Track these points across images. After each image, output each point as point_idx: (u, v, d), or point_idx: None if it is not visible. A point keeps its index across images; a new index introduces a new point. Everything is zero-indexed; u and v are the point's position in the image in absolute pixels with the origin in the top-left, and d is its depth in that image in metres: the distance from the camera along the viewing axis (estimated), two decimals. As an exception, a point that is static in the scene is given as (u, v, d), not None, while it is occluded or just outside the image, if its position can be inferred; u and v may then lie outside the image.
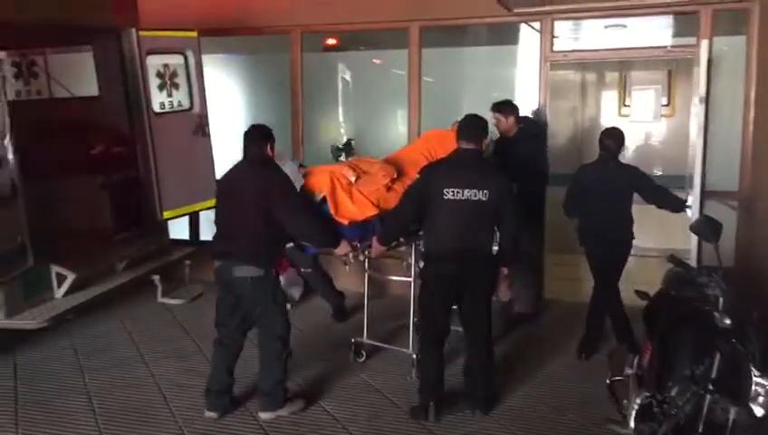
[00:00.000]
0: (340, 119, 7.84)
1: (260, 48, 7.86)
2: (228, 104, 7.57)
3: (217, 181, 4.49)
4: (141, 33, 5.87)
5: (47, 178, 5.61)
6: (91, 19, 5.96)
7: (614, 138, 5.16)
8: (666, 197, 5.19)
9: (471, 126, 4.46)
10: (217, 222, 4.48)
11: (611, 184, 5.13)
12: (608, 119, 7.85)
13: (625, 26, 6.55)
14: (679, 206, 5.22)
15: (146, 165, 5.95)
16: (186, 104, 6.41)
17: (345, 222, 4.69)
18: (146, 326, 6.11)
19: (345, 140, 6.62)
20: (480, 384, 4.47)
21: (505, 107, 5.88)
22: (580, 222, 5.33)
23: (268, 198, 4.24)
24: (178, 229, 6.99)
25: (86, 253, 5.60)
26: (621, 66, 7.80)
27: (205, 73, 6.54)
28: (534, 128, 6.14)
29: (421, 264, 4.76)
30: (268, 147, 4.41)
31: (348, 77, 7.74)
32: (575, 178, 5.33)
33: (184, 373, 5.21)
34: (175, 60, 6.28)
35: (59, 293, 5.21)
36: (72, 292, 5.26)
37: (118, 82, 6.09)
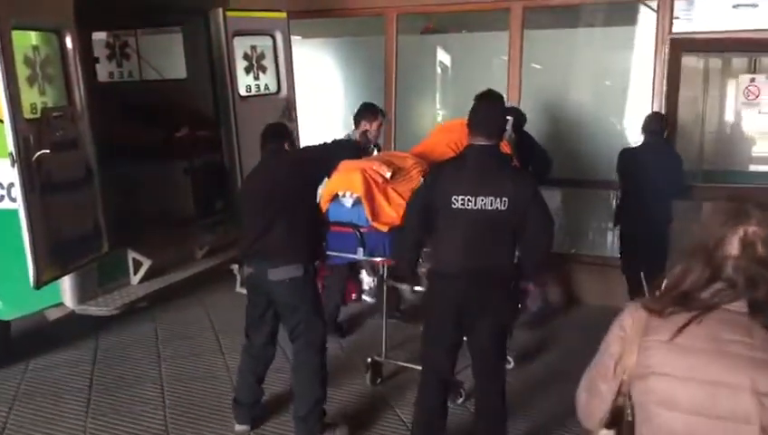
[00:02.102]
0: (436, 104, 7.43)
1: (353, 31, 7.56)
2: (319, 88, 7.33)
3: (242, 184, 4.21)
4: (229, 13, 5.66)
5: (130, 161, 5.54)
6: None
7: None
8: None
9: (486, 115, 3.46)
10: (246, 225, 4.06)
11: None
12: (733, 110, 7.04)
13: (756, 5, 5.78)
14: None
15: (230, 150, 5.76)
16: (272, 88, 6.20)
17: (385, 229, 4.11)
18: (228, 316, 5.98)
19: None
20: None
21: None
22: None
23: (298, 183, 3.93)
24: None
25: (165, 239, 5.48)
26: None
27: (294, 56, 6.30)
28: (522, 118, 5.51)
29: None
30: (286, 145, 4.08)
31: (446, 61, 7.31)
32: None
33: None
34: (263, 42, 6.07)
35: (134, 279, 5.10)
36: (148, 278, 5.14)
37: (204, 65, 5.95)
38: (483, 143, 3.40)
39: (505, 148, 4.20)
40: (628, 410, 1.75)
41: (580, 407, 1.89)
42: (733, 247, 1.67)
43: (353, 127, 5.42)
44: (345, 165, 4.29)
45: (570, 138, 6.42)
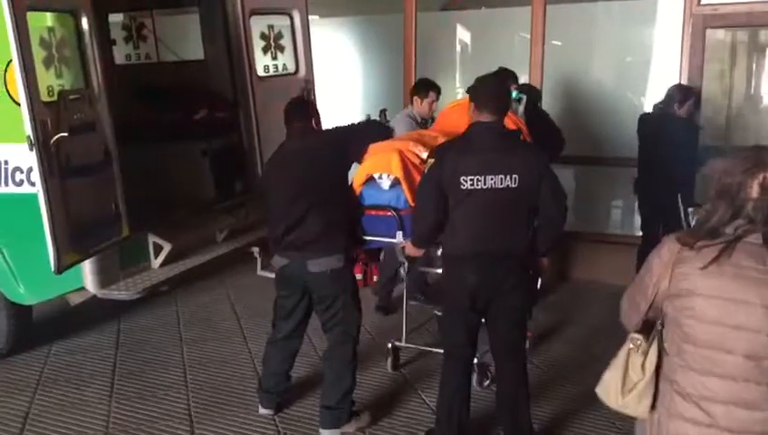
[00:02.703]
0: (457, 83, 7.30)
1: (371, 9, 7.43)
2: (337, 68, 7.22)
3: (265, 167, 3.95)
4: (246, -8, 5.56)
5: (149, 144, 5.49)
6: (198, -22, 5.79)
7: None
8: None
9: (490, 92, 3.39)
10: (276, 213, 3.80)
11: None
12: (761, 84, 6.85)
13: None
14: None
15: (248, 131, 5.69)
16: (291, 68, 6.13)
17: None
18: (249, 299, 5.99)
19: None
20: (511, 421, 3.64)
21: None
22: None
23: (337, 156, 3.79)
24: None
25: (185, 222, 5.44)
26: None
27: (312, 36, 6.20)
28: (536, 95, 5.45)
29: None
30: (313, 121, 3.86)
31: (466, 38, 7.18)
32: None
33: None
34: (280, 21, 5.97)
35: (155, 263, 5.06)
36: (169, 262, 5.10)
37: (222, 45, 5.88)
38: (488, 120, 3.32)
39: (513, 123, 4.13)
40: (659, 321, 2.19)
41: (622, 314, 2.35)
42: (753, 190, 2.02)
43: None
44: (379, 146, 4.16)
45: (592, 114, 6.28)
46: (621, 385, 2.23)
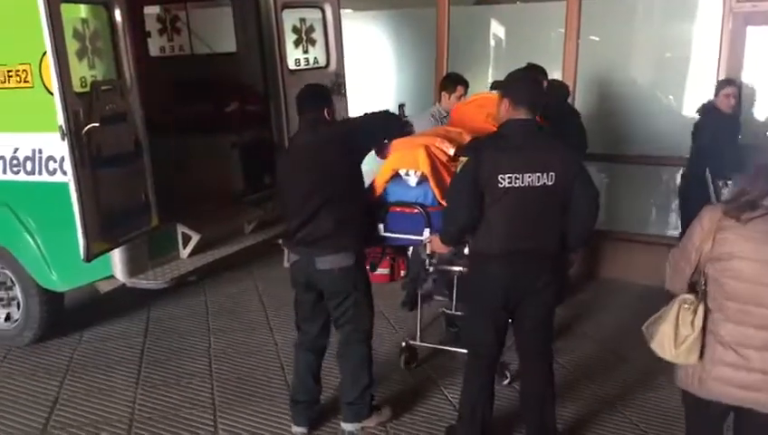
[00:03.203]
0: (489, 79, 7.24)
1: (404, 3, 7.40)
2: (369, 62, 7.21)
3: (280, 160, 3.81)
4: (293, -15, 5.59)
5: (180, 135, 5.55)
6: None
7: None
8: None
9: (526, 88, 3.34)
10: (288, 207, 3.73)
11: None
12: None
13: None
14: None
15: (278, 124, 5.71)
16: (322, 61, 6.14)
17: None
18: (276, 291, 6.02)
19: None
20: (537, 420, 3.59)
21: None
22: None
23: (350, 150, 3.65)
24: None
25: (213, 213, 5.49)
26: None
27: (344, 30, 6.20)
28: (564, 92, 5.33)
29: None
30: (325, 111, 3.69)
31: (499, 33, 7.11)
32: None
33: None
34: (312, 14, 5.99)
35: (183, 253, 5.12)
36: (197, 252, 5.15)
37: (254, 38, 5.90)
38: (525, 117, 3.26)
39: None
40: (702, 281, 2.54)
41: (667, 280, 2.71)
42: None
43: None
44: (404, 142, 4.05)
45: (628, 111, 6.18)
46: (674, 340, 2.56)
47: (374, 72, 7.27)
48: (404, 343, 4.69)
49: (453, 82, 5.36)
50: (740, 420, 2.64)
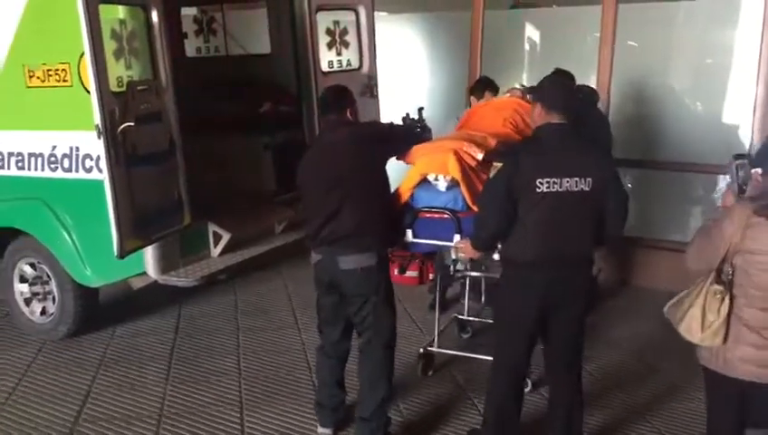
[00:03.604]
0: (524, 82, 7.20)
1: (439, 6, 7.40)
2: (404, 64, 7.22)
3: (301, 161, 3.72)
4: (313, -13, 5.63)
5: (213, 135, 5.62)
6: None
7: None
8: None
9: (559, 92, 3.32)
10: (311, 207, 3.66)
11: None
12: None
13: None
14: None
15: (310, 126, 5.75)
16: (355, 63, 6.17)
17: None
18: (305, 291, 6.00)
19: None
20: (564, 428, 3.54)
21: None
22: None
23: (373, 151, 3.59)
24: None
25: (245, 213, 5.54)
26: None
27: (378, 32, 6.22)
28: (593, 97, 5.24)
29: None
30: (348, 112, 3.66)
31: (534, 37, 7.06)
32: None
33: (331, 345, 5.04)
34: (346, 17, 6.02)
35: (214, 252, 5.18)
36: (227, 251, 5.21)
37: (288, 40, 5.96)
38: (560, 122, 3.23)
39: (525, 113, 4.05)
40: (729, 271, 2.72)
41: (689, 259, 2.88)
42: None
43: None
44: (430, 146, 4.01)
45: (666, 117, 6.09)
46: (701, 324, 2.76)
47: (407, 74, 7.27)
48: (422, 350, 4.63)
49: (482, 86, 5.29)
50: (754, 395, 2.83)
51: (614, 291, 6.00)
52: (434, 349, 4.67)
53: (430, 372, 4.62)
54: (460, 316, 5.11)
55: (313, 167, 3.63)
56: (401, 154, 3.95)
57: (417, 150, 3.96)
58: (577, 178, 3.14)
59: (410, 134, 4.13)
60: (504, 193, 3.23)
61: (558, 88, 3.42)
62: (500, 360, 3.55)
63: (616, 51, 6.04)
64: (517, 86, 4.98)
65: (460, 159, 3.81)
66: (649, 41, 6.22)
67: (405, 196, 3.92)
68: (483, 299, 5.28)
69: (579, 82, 5.36)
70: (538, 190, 3.14)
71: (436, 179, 3.88)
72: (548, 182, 3.13)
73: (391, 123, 4.11)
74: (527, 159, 3.23)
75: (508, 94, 4.90)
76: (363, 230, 3.53)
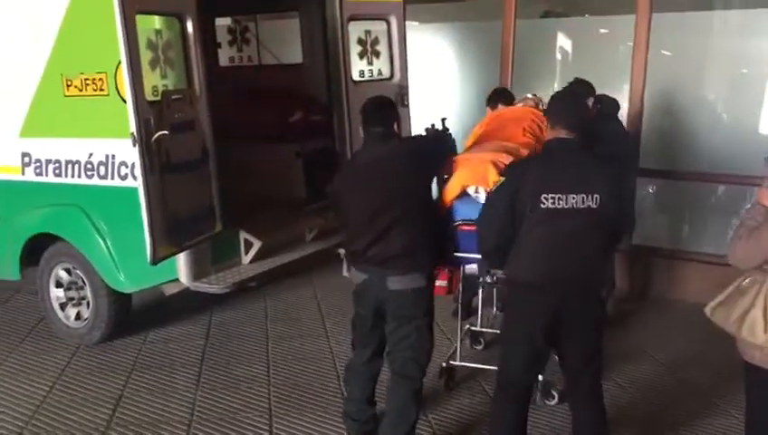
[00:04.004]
0: (536, 92, 7.15)
1: (471, 16, 7.38)
2: (434, 74, 7.22)
3: (342, 175, 3.69)
4: (345, -2, 5.66)
5: (245, 143, 5.67)
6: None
7: None
8: None
9: (561, 107, 3.23)
10: (356, 224, 3.51)
11: None
12: None
13: None
14: None
15: (341, 135, 5.78)
16: (386, 73, 6.18)
17: None
18: (334, 299, 6.07)
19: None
20: None
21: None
22: None
23: (425, 167, 3.53)
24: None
25: (275, 221, 5.58)
26: None
27: (409, 42, 6.24)
28: (614, 107, 5.15)
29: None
30: (395, 126, 3.54)
31: (566, 46, 7.02)
32: None
33: (360, 354, 5.04)
34: (377, 26, 6.04)
35: (245, 259, 5.22)
36: (258, 259, 5.25)
37: (320, 49, 6.01)
38: (568, 136, 3.15)
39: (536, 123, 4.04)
40: None
41: (736, 260, 2.82)
42: None
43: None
44: (470, 157, 3.92)
45: (701, 127, 6.01)
46: (764, 325, 2.72)
47: (438, 84, 7.27)
48: (444, 365, 4.57)
49: (496, 96, 5.18)
50: None
51: (637, 301, 5.93)
52: (456, 362, 4.62)
53: (452, 385, 4.57)
54: (473, 328, 5.08)
55: (361, 182, 3.50)
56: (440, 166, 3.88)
57: (457, 162, 3.88)
58: (583, 195, 3.04)
59: (446, 146, 4.09)
60: (506, 205, 3.15)
61: (564, 102, 3.32)
62: (499, 376, 3.48)
63: (649, 60, 5.99)
64: (530, 96, 4.92)
65: (499, 171, 3.71)
66: (683, 50, 6.16)
67: (445, 208, 3.84)
68: (495, 308, 5.22)
69: (612, 92, 5.34)
70: (542, 206, 3.05)
71: (477, 192, 3.79)
72: (553, 198, 3.04)
73: (430, 134, 4.06)
74: (532, 174, 3.15)
75: (521, 104, 4.86)
76: (413, 250, 3.44)
